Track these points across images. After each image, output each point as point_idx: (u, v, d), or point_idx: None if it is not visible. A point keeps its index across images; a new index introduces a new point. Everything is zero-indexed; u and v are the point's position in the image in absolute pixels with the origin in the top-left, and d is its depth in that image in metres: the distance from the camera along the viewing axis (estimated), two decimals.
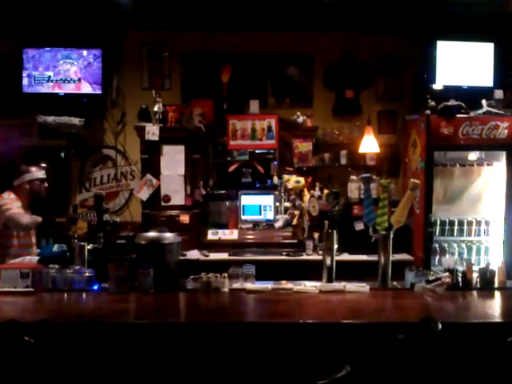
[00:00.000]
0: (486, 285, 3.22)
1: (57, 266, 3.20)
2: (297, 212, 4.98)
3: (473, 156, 5.23)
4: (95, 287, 3.16)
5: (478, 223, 4.99)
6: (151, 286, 3.04)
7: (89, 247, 3.48)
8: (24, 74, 5.16)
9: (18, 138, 5.31)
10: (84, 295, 3.08)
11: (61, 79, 5.19)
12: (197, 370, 2.44)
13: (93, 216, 4.77)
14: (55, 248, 4.65)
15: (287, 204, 5.21)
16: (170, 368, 2.46)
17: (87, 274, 3.17)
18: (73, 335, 2.44)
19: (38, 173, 4.33)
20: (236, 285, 3.19)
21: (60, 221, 5.10)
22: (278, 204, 5.23)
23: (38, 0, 4.66)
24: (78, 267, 3.24)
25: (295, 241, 4.96)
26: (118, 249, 4.02)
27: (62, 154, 5.45)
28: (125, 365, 2.44)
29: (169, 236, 3.29)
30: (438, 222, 4.94)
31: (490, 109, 4.93)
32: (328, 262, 3.30)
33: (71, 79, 5.20)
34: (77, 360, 2.39)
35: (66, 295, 3.05)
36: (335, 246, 3.37)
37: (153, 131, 4.95)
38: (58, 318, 2.56)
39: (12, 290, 3.04)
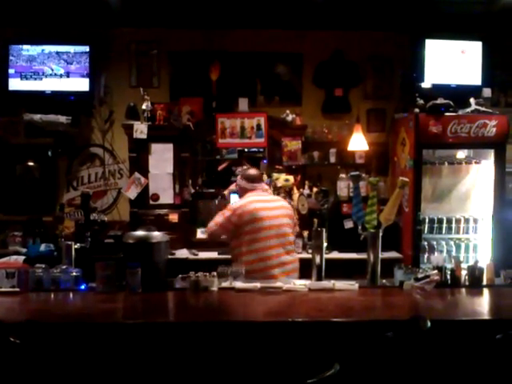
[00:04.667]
0: (475, 282, 3.23)
1: (43, 266, 3.15)
2: None
3: (461, 154, 5.26)
4: (82, 287, 3.13)
5: (467, 221, 5.02)
6: (139, 286, 3.01)
7: (76, 246, 3.45)
8: (10, 72, 5.10)
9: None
10: (71, 295, 3.04)
11: (48, 77, 5.13)
12: (186, 369, 2.42)
13: (80, 215, 4.75)
14: (42, 247, 4.62)
15: None
16: (159, 368, 2.43)
17: (74, 274, 3.14)
18: (59, 335, 2.40)
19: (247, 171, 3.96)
20: (225, 284, 3.18)
21: (47, 220, 5.09)
22: None
23: None
24: (64, 267, 3.20)
25: None
26: (106, 248, 4.01)
27: (49, 153, 5.39)
28: (113, 365, 2.41)
29: (157, 235, 3.26)
30: (427, 220, 4.96)
31: (478, 107, 4.96)
32: (317, 260, 3.29)
33: (58, 77, 5.14)
34: (63, 361, 2.36)
35: (52, 295, 3.01)
36: (324, 245, 3.37)
37: (141, 129, 4.92)
38: (45, 318, 2.53)
39: None
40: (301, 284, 3.15)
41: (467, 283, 3.24)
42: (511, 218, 4.96)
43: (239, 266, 3.33)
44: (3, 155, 5.32)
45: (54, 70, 5.15)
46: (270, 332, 2.48)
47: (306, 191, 4.99)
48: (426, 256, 4.84)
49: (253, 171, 3.97)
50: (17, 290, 3.01)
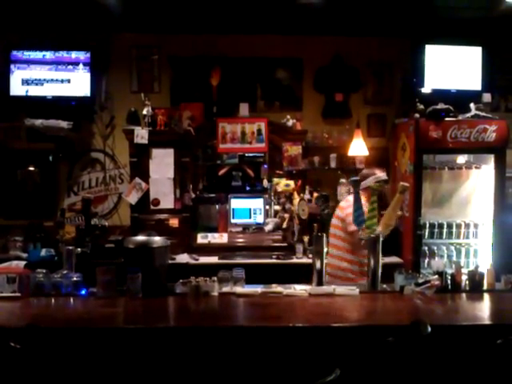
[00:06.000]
0: (475, 287, 3.23)
1: (44, 271, 3.16)
2: (286, 215, 4.97)
3: (461, 159, 5.26)
4: (83, 292, 3.13)
5: (467, 226, 5.02)
6: (140, 291, 3.01)
7: (77, 251, 3.45)
8: (12, 77, 5.11)
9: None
10: (72, 300, 3.04)
11: (49, 82, 5.15)
12: (187, 374, 2.42)
13: (81, 220, 4.75)
14: (43, 252, 4.62)
15: (277, 207, 5.20)
16: (160, 373, 2.43)
17: (75, 279, 3.14)
18: (60, 340, 2.41)
19: (381, 174, 4.10)
20: (225, 289, 3.17)
21: (48, 225, 5.09)
22: (267, 207, 5.22)
23: (26, 3, 4.63)
24: (65, 272, 3.20)
25: (285, 244, 4.96)
26: (107, 253, 4.00)
27: (50, 158, 5.41)
28: (113, 370, 2.41)
29: (158, 240, 3.26)
30: (427, 225, 4.96)
31: (478, 112, 4.97)
32: (318, 265, 3.29)
33: (59, 82, 5.16)
34: (64, 366, 2.36)
35: (53, 300, 3.02)
36: (325, 249, 3.37)
37: (142, 134, 4.93)
38: (45, 323, 2.52)
39: None
40: (301, 289, 3.15)
41: (467, 288, 3.24)
42: (511, 222, 4.96)
43: None
44: (4, 160, 5.33)
45: (56, 76, 5.16)
46: (270, 337, 2.48)
47: (307, 196, 4.99)
48: (426, 261, 4.84)
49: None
50: (18, 294, 3.01)
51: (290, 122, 5.19)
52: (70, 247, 3.40)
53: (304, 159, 5.21)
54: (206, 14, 4.93)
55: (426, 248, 4.91)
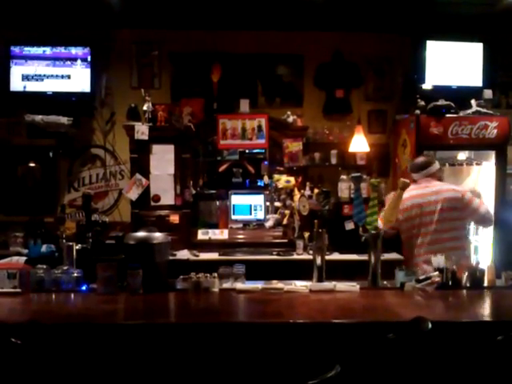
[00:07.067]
0: (476, 284, 3.23)
1: (44, 267, 3.15)
2: (287, 212, 4.97)
3: (462, 156, 5.26)
4: (83, 288, 3.13)
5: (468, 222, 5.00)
6: (140, 287, 3.01)
7: (77, 247, 3.44)
8: (11, 73, 5.11)
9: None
10: (72, 296, 3.04)
11: (49, 78, 5.14)
12: (186, 370, 2.42)
13: (81, 216, 4.75)
14: (43, 248, 4.62)
15: (277, 204, 5.20)
16: (160, 369, 2.44)
17: (75, 275, 3.13)
18: (61, 336, 2.41)
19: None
20: (226, 285, 3.17)
21: (48, 221, 5.10)
22: (268, 204, 5.22)
23: None
24: (66, 267, 3.20)
25: (285, 240, 4.96)
26: (107, 249, 4.00)
27: (51, 154, 5.41)
28: (114, 366, 2.42)
29: (158, 236, 3.25)
30: None
31: (479, 109, 4.96)
32: (318, 261, 3.28)
33: (59, 78, 5.15)
34: (65, 362, 2.36)
35: (53, 296, 3.01)
36: (325, 246, 3.36)
37: (142, 130, 4.92)
38: (46, 319, 2.53)
39: None
40: (302, 285, 3.14)
41: (468, 285, 3.24)
42: None
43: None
44: (5, 156, 5.33)
45: (55, 71, 5.15)
46: (271, 333, 2.48)
47: (307, 192, 4.98)
48: None
49: (417, 160, 3.98)
50: (18, 290, 3.01)
51: (291, 119, 5.18)
52: (71, 243, 3.39)
53: (305, 155, 5.21)
54: (207, 9, 4.92)
55: None
